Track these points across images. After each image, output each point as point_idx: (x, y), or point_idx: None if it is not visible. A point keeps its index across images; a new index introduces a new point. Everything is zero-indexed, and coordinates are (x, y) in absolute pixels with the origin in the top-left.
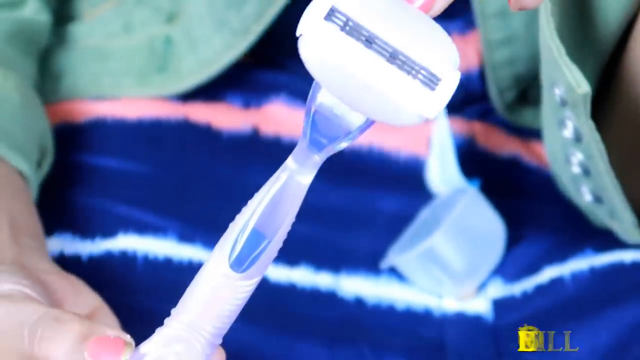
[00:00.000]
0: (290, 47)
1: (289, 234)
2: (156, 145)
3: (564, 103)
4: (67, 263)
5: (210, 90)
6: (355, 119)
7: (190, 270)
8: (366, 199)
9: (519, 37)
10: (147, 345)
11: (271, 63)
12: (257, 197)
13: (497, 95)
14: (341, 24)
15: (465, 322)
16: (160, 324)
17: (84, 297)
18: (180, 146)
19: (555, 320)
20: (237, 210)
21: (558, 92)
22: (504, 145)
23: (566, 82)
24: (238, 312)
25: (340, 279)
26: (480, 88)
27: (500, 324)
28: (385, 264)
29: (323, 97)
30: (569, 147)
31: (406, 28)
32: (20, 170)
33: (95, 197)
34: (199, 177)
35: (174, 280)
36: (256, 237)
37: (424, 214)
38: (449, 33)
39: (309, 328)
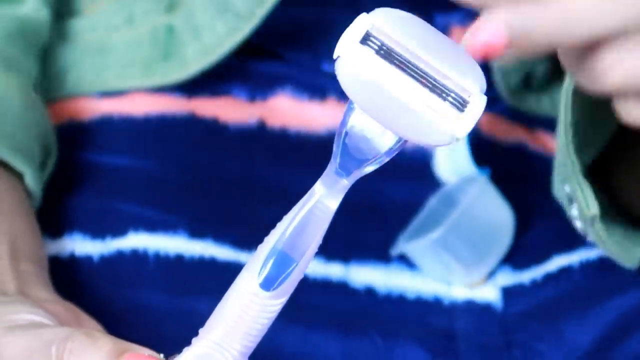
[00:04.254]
0: (289, 39)
1: None
2: (164, 141)
3: (570, 201)
4: (79, 264)
5: (215, 85)
6: (385, 142)
7: (201, 266)
8: (374, 188)
9: None
10: None
11: (272, 56)
12: (286, 219)
13: (501, 79)
14: (376, 47)
15: (474, 311)
16: (174, 322)
17: (85, 323)
18: (188, 142)
19: (563, 309)
20: (247, 204)
21: (567, 190)
22: (510, 133)
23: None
24: (264, 331)
25: (351, 270)
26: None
27: (509, 313)
28: (395, 251)
29: (354, 120)
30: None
31: (436, 53)
32: (22, 174)
33: (104, 196)
34: (208, 172)
35: (186, 276)
36: (284, 259)
37: (432, 202)
38: (450, 25)
39: (322, 319)
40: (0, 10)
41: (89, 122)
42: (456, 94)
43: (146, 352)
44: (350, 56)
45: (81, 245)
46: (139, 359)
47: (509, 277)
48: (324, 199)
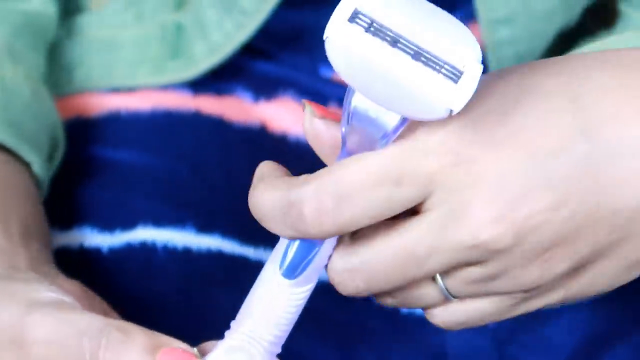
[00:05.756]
0: (286, 42)
1: None
2: (170, 137)
3: None
4: (88, 255)
5: (219, 83)
6: (390, 120)
7: (209, 258)
8: None
9: (519, 15)
10: (209, 357)
11: (270, 58)
12: None
13: (496, 66)
14: (366, 25)
15: (468, 330)
16: (184, 313)
17: (96, 302)
18: (194, 138)
19: (550, 314)
20: None
21: None
22: None
23: None
24: (295, 319)
25: None
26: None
27: (501, 326)
28: None
29: (357, 101)
30: None
31: (428, 26)
32: (30, 163)
33: (113, 191)
34: (215, 169)
35: (195, 268)
36: (305, 246)
37: None
38: None
39: (322, 327)
40: (7, 5)
41: (97, 117)
42: (450, 65)
43: (181, 346)
44: (339, 36)
45: (90, 237)
46: (174, 353)
47: None
48: None
